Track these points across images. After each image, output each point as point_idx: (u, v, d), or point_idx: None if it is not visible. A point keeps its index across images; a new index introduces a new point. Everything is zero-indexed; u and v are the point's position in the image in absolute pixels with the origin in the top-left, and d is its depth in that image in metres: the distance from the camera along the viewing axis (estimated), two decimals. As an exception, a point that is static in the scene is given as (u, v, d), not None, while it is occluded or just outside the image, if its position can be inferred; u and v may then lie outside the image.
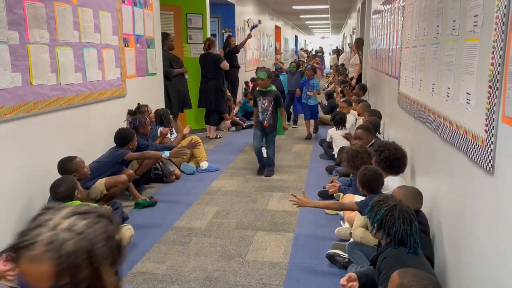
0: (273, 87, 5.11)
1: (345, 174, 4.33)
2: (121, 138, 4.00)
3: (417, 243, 2.04)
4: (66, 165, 3.26)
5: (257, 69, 8.17)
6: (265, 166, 5.17)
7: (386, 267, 1.94)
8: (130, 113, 4.86)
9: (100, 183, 3.72)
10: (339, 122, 5.78)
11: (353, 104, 6.89)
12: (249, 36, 8.70)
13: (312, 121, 7.67)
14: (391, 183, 3.10)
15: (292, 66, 8.63)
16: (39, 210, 0.88)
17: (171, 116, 5.47)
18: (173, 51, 6.32)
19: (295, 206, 3.12)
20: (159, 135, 5.03)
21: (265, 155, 5.25)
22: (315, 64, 9.64)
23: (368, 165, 3.13)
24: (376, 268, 2.05)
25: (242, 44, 8.55)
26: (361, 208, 2.80)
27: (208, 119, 7.35)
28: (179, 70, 6.36)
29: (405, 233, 2.01)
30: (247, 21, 9.69)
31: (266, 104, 5.00)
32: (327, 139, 5.93)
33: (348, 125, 5.89)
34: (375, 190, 2.88)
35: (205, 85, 7.16)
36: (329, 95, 8.98)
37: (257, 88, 5.19)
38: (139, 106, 4.99)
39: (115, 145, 4.01)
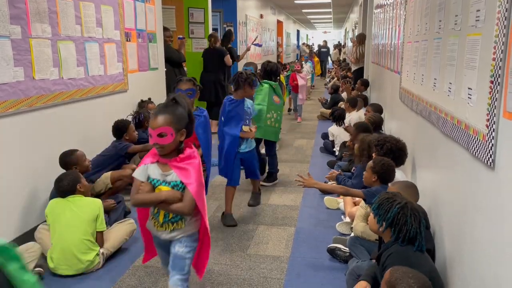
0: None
1: (347, 170, 4.33)
2: (118, 129, 4.04)
3: (424, 241, 2.03)
4: (67, 158, 3.30)
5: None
6: None
7: (391, 264, 1.93)
8: (140, 105, 4.93)
9: (106, 177, 3.75)
10: (338, 118, 5.78)
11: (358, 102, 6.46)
12: (248, 48, 8.61)
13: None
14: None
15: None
16: None
17: None
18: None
19: (301, 187, 3.05)
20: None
21: None
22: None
23: (381, 157, 3.10)
24: (380, 264, 2.05)
25: (242, 55, 8.35)
26: (367, 196, 2.78)
27: (210, 114, 7.33)
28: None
29: (416, 231, 2.00)
30: (254, 40, 9.26)
31: None
32: (330, 138, 5.91)
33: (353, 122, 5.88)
34: (387, 181, 2.87)
35: (205, 78, 7.08)
36: (334, 89, 8.90)
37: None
38: (143, 101, 5.02)
39: (115, 138, 4.06)
